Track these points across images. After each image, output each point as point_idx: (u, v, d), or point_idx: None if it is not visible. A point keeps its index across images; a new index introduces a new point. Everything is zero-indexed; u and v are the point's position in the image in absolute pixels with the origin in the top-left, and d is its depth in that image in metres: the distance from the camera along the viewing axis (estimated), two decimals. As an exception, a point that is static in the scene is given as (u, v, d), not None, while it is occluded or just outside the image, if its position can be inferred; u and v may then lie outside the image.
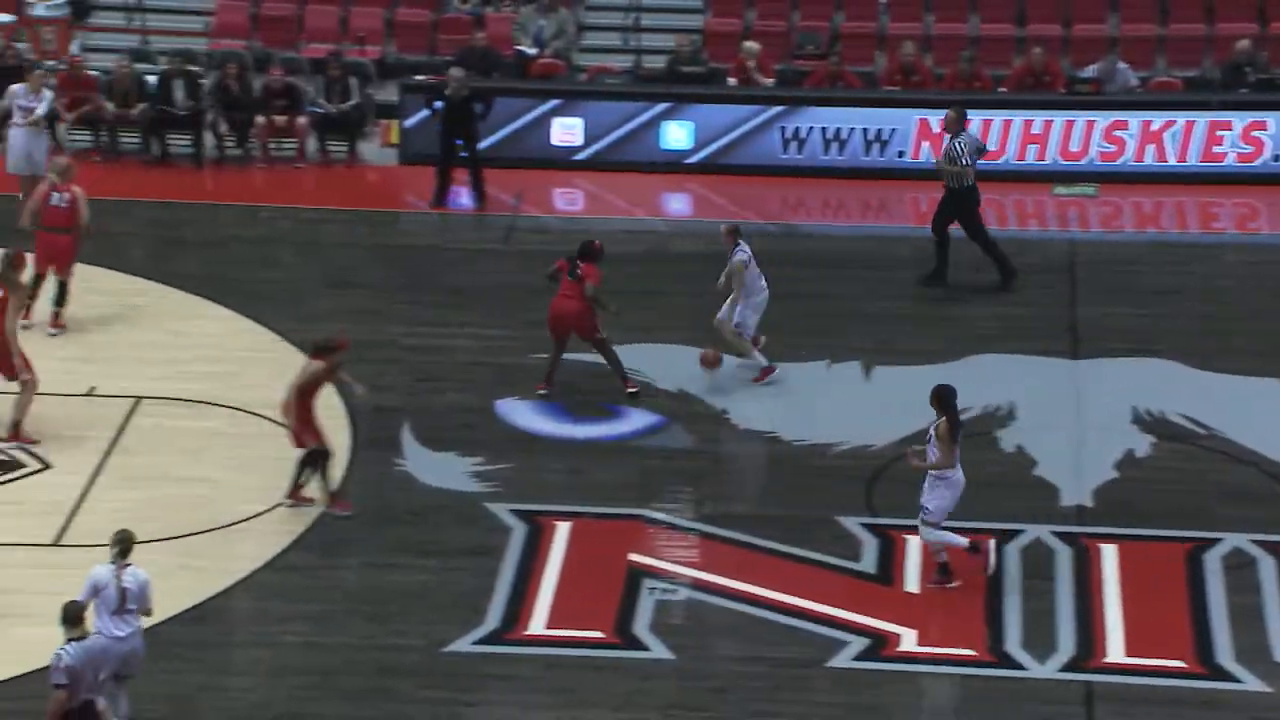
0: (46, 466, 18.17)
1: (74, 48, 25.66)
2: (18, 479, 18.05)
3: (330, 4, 26.96)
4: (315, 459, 17.66)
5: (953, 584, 16.87)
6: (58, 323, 20.38)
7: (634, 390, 19.54)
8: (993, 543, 17.19)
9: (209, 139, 24.63)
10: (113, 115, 24.34)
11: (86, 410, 19.09)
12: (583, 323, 19.35)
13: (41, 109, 22.39)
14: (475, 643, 16.30)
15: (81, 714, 13.88)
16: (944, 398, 16.58)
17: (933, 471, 16.56)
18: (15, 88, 22.49)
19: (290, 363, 20.04)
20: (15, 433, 18.47)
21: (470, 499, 18.18)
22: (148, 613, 14.84)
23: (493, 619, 16.56)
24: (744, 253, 19.61)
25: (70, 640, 13.86)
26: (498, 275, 22.06)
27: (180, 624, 16.30)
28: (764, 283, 19.79)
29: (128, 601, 14.62)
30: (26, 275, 19.09)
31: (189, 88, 24.49)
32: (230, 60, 25.01)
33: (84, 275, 21.21)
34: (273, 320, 20.97)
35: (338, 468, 17.98)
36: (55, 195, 20.09)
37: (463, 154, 23.79)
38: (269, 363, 20.13)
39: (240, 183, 24.28)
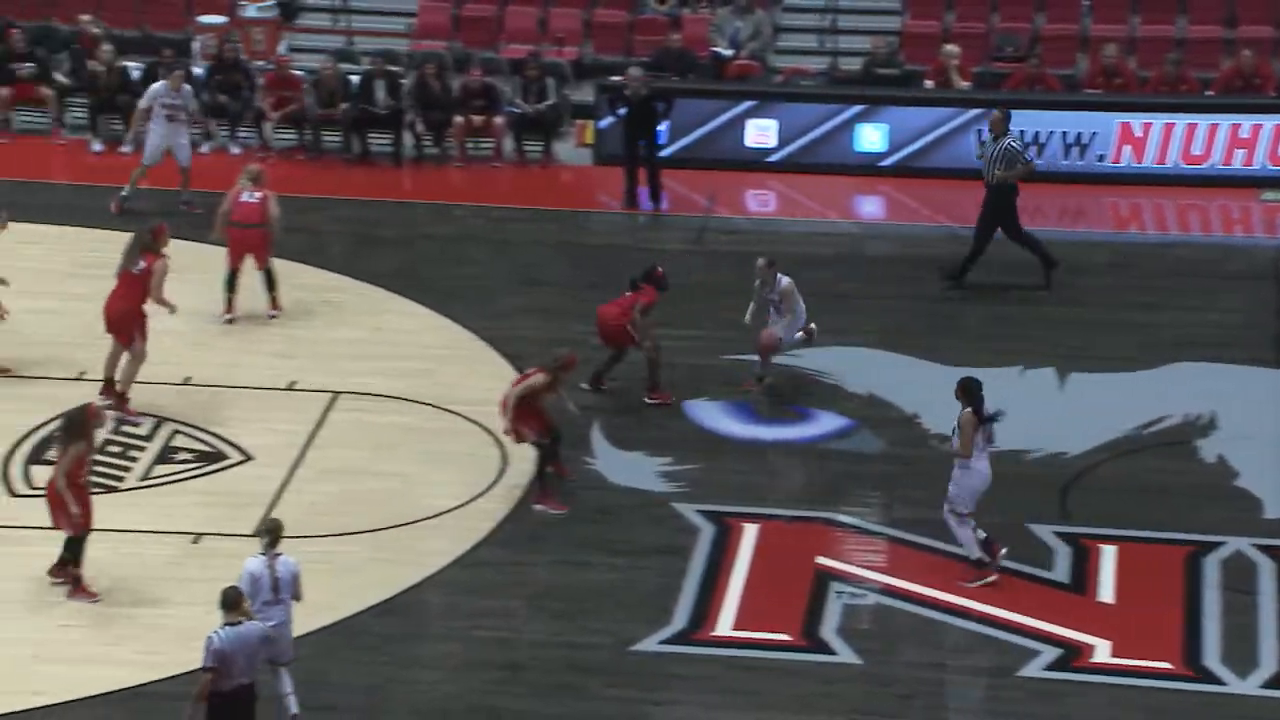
0: (248, 459, 18.47)
1: (281, 48, 26.08)
2: (221, 470, 18.36)
3: (530, 5, 27.17)
4: (546, 451, 17.78)
5: (989, 579, 16.80)
6: (276, 305, 20.75)
7: (655, 402, 19.39)
8: (1004, 552, 16.99)
9: (408, 138, 24.92)
10: (317, 115, 24.70)
11: (287, 404, 19.40)
12: (619, 335, 19.26)
13: (190, 105, 22.68)
14: (662, 642, 16.34)
15: (236, 697, 14.10)
16: (968, 389, 16.84)
17: (956, 461, 16.70)
18: (156, 85, 22.90)
19: (482, 360, 20.28)
20: (122, 402, 18.75)
21: (659, 499, 18.23)
22: (298, 598, 15.07)
23: (680, 619, 16.59)
24: (787, 278, 19.42)
25: (226, 625, 14.10)
26: (689, 275, 22.07)
27: (372, 616, 16.52)
28: (802, 305, 19.66)
29: (280, 590, 14.84)
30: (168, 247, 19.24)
31: (390, 88, 24.80)
32: (430, 60, 25.29)
33: (286, 271, 21.52)
34: (465, 317, 21.15)
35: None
36: (246, 194, 20.42)
37: (642, 153, 23.86)
38: (461, 360, 20.32)
39: (436, 181, 24.54)
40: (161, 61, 24.62)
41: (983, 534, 17.02)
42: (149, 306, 18.93)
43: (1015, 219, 21.96)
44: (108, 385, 18.94)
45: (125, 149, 23.02)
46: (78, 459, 16.13)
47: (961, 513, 16.88)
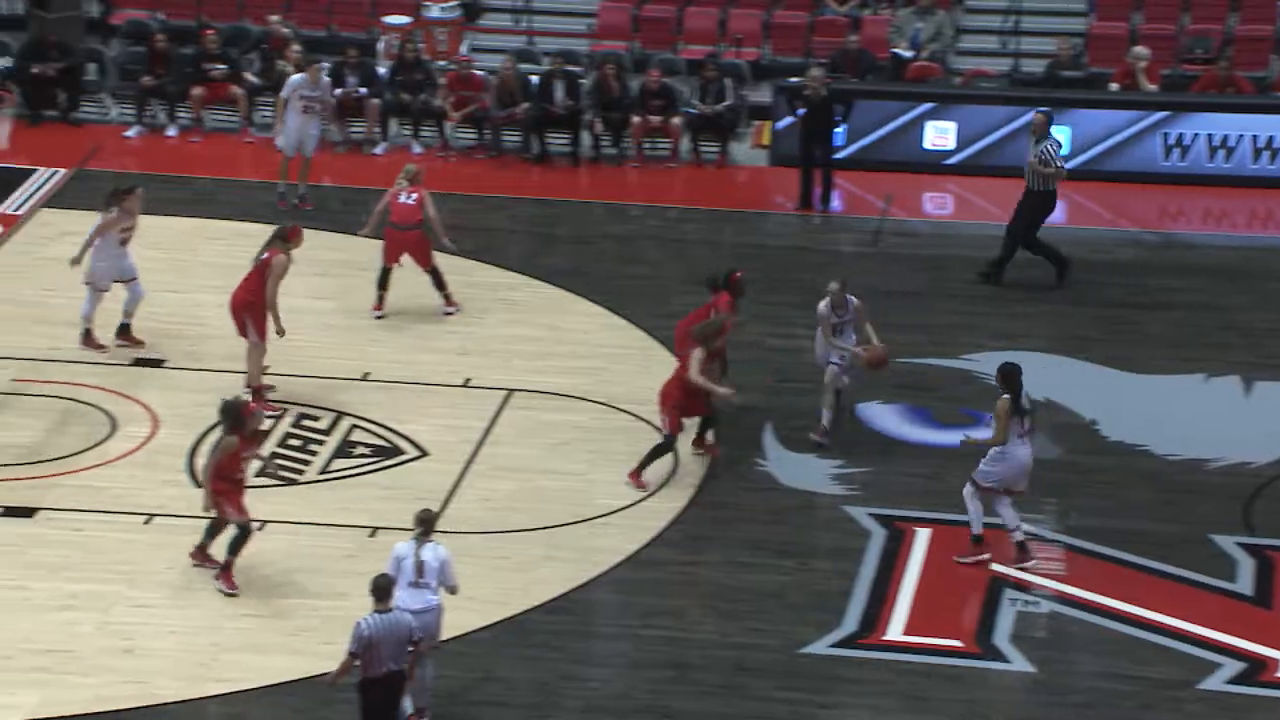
0: (424, 454, 18.61)
1: (464, 48, 26.27)
2: (397, 465, 18.50)
3: (710, 6, 27.16)
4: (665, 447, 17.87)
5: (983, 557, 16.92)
6: (450, 302, 20.86)
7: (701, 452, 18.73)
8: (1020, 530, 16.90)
9: (586, 138, 25.00)
10: (497, 114, 24.85)
11: (463, 401, 19.53)
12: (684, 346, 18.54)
13: (327, 97, 22.85)
14: (832, 645, 16.26)
15: (383, 683, 14.25)
16: (1007, 375, 16.89)
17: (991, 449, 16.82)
18: (296, 77, 23.11)
19: (655, 359, 20.27)
20: (257, 396, 18.90)
21: (830, 501, 18.14)
22: (452, 590, 15.14)
23: (850, 622, 16.50)
24: (856, 299, 18.87)
25: (375, 613, 14.24)
26: (864, 278, 21.91)
27: (544, 613, 16.60)
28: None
29: (424, 575, 14.94)
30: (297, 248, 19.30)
31: (569, 88, 24.89)
32: (609, 61, 25.35)
33: (463, 268, 21.72)
34: (638, 317, 21.18)
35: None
36: (403, 195, 20.51)
37: (818, 155, 23.72)
38: (634, 359, 20.35)
39: (613, 181, 24.59)
40: (347, 61, 24.93)
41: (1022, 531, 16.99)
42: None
43: (1038, 225, 21.80)
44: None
45: (278, 142, 23.25)
46: (230, 453, 16.29)
47: (983, 486, 16.95)
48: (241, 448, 16.35)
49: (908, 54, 26.19)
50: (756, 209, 24.12)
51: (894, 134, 24.94)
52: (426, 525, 15.18)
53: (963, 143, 24.91)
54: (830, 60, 25.67)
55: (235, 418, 16.40)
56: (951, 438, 18.70)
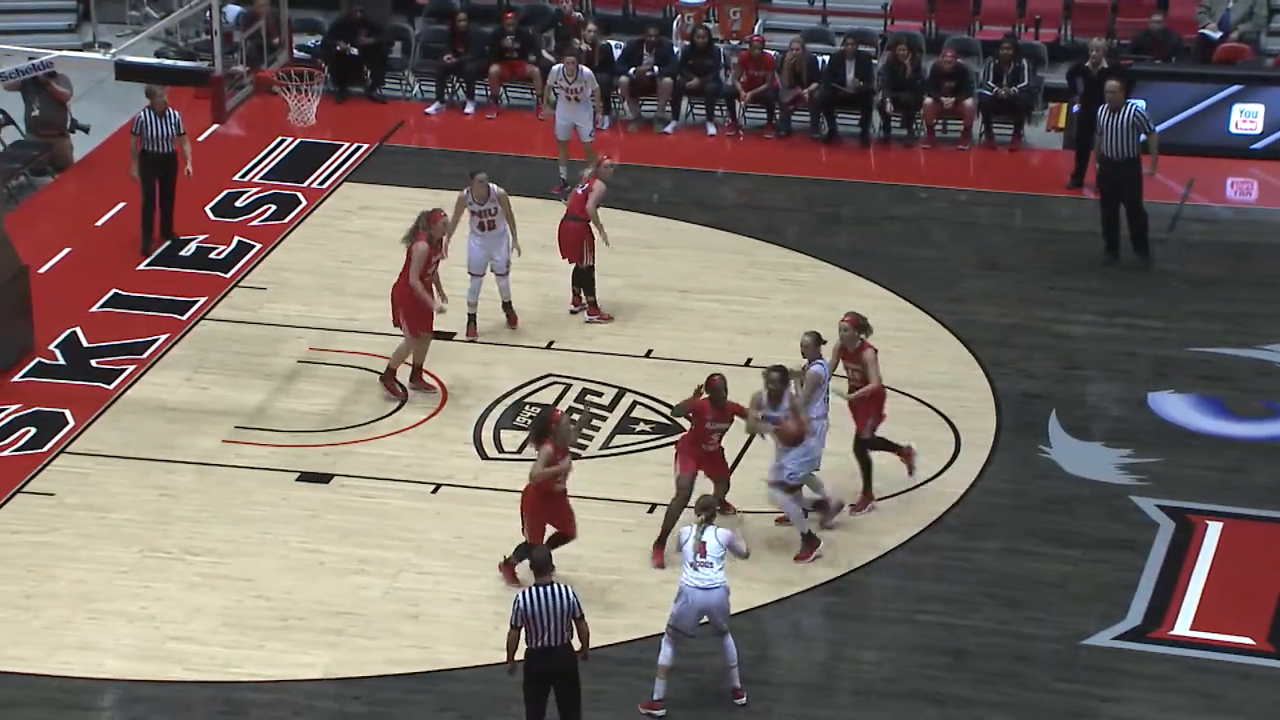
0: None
1: (756, 28, 26.27)
2: (676, 442, 18.55)
3: (1008, -15, 26.80)
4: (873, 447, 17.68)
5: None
6: (576, 302, 20.39)
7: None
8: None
9: (876, 119, 24.84)
10: (788, 96, 24.80)
11: (743, 380, 19.46)
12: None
13: (588, 87, 22.80)
14: (1115, 638, 15.98)
15: (545, 655, 14.36)
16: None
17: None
18: (555, 68, 23.17)
19: (938, 342, 20.09)
20: (389, 381, 19.05)
21: (1116, 491, 17.81)
22: (743, 555, 15.40)
23: (1135, 615, 16.20)
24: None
25: (535, 586, 14.38)
26: (1158, 264, 21.52)
27: (820, 594, 16.58)
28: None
29: (706, 554, 15.05)
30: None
31: (860, 68, 24.74)
32: (901, 41, 25.14)
33: (746, 248, 21.78)
34: (923, 299, 20.99)
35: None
36: (580, 185, 20.43)
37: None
38: (917, 342, 20.19)
39: (902, 162, 24.38)
40: (645, 40, 25.09)
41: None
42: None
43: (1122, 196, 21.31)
44: (416, 372, 19.19)
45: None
46: (548, 462, 16.28)
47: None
48: (556, 457, 16.38)
49: (1215, 35, 25.51)
50: (1049, 192, 23.73)
51: (1198, 117, 24.33)
52: (708, 513, 15.33)
53: (1270, 127, 24.22)
54: (1133, 41, 25.13)
55: (542, 428, 16.46)
56: (1248, 430, 18.23)
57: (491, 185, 19.80)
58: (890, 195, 23.58)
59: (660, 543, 16.88)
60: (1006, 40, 25.22)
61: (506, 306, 20.14)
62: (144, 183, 21.22)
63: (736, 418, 16.98)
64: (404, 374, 19.22)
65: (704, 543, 15.14)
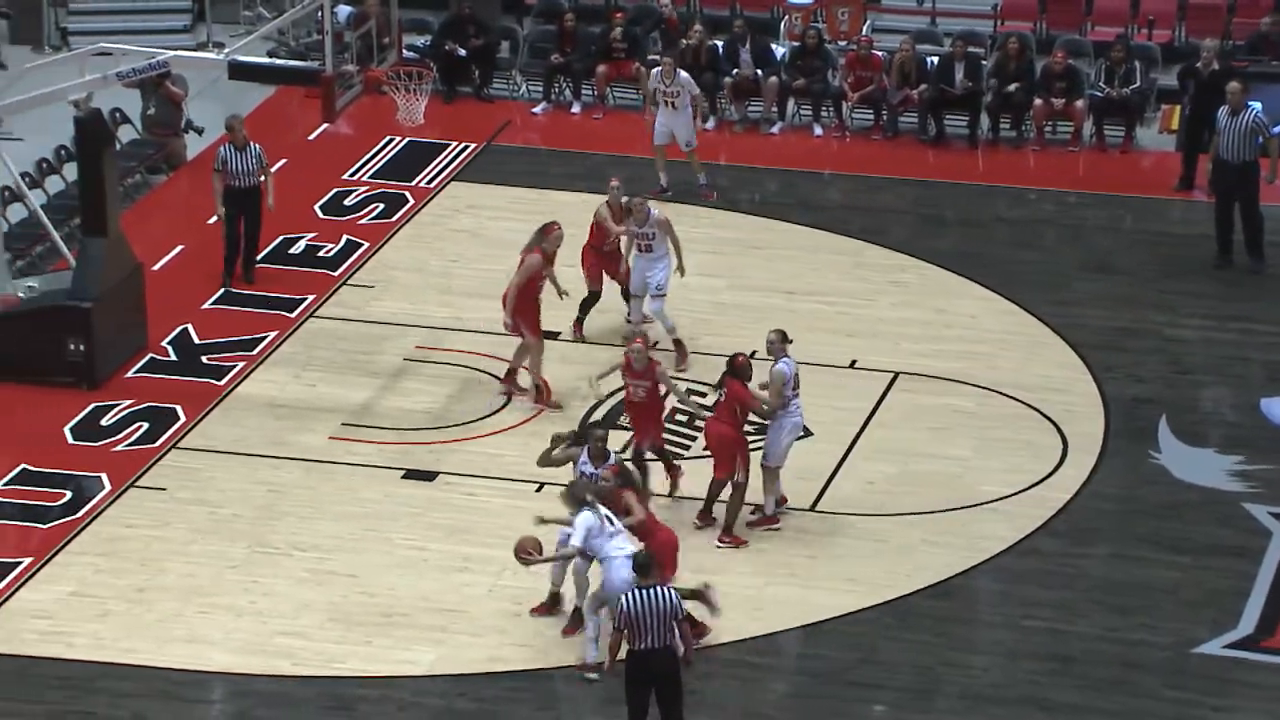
0: (807, 434, 18.58)
1: (865, 29, 26.17)
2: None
3: (1123, -14, 26.58)
4: None
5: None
6: (578, 327, 20.06)
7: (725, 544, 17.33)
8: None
9: (984, 120, 24.68)
10: (896, 98, 24.70)
11: (848, 383, 19.49)
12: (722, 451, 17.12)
13: (686, 93, 22.59)
14: (1226, 646, 15.82)
15: (648, 657, 14.35)
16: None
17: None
18: (654, 71, 23.08)
19: (1045, 345, 19.96)
20: (508, 380, 19.17)
21: (1227, 498, 17.63)
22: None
23: (1246, 624, 16.05)
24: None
25: (639, 588, 14.42)
26: (1273, 268, 21.28)
27: (925, 597, 16.53)
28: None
29: (614, 524, 15.41)
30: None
31: (969, 69, 24.60)
32: (1011, 41, 24.95)
33: (852, 250, 21.73)
34: (1031, 302, 20.85)
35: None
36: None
37: (1205, 134, 22.89)
38: (1024, 345, 20.07)
39: (1011, 164, 24.21)
40: (735, 35, 25.03)
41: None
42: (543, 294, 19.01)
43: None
44: (508, 375, 19.24)
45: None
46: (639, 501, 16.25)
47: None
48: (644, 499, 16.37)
49: (1331, 36, 25.17)
50: (1162, 195, 23.51)
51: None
52: (598, 495, 15.63)
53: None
54: (1248, 42, 24.85)
55: (626, 479, 16.37)
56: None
57: (651, 208, 19.62)
58: (998, 197, 23.44)
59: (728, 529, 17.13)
60: (1119, 41, 25.00)
61: (677, 343, 19.69)
62: (228, 219, 20.99)
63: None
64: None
65: (608, 515, 15.44)
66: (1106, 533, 17.27)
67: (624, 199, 19.78)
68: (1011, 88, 24.29)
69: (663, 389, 17.49)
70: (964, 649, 16.00)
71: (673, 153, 22.87)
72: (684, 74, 23.07)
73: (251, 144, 21.01)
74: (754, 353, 19.87)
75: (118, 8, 27.39)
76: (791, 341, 17.32)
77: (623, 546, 15.41)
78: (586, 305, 20.07)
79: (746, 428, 17.29)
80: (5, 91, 19.92)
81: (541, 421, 18.80)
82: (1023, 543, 17.15)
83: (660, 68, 23.01)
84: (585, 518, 15.50)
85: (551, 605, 16.30)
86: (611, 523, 15.50)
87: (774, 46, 25.49)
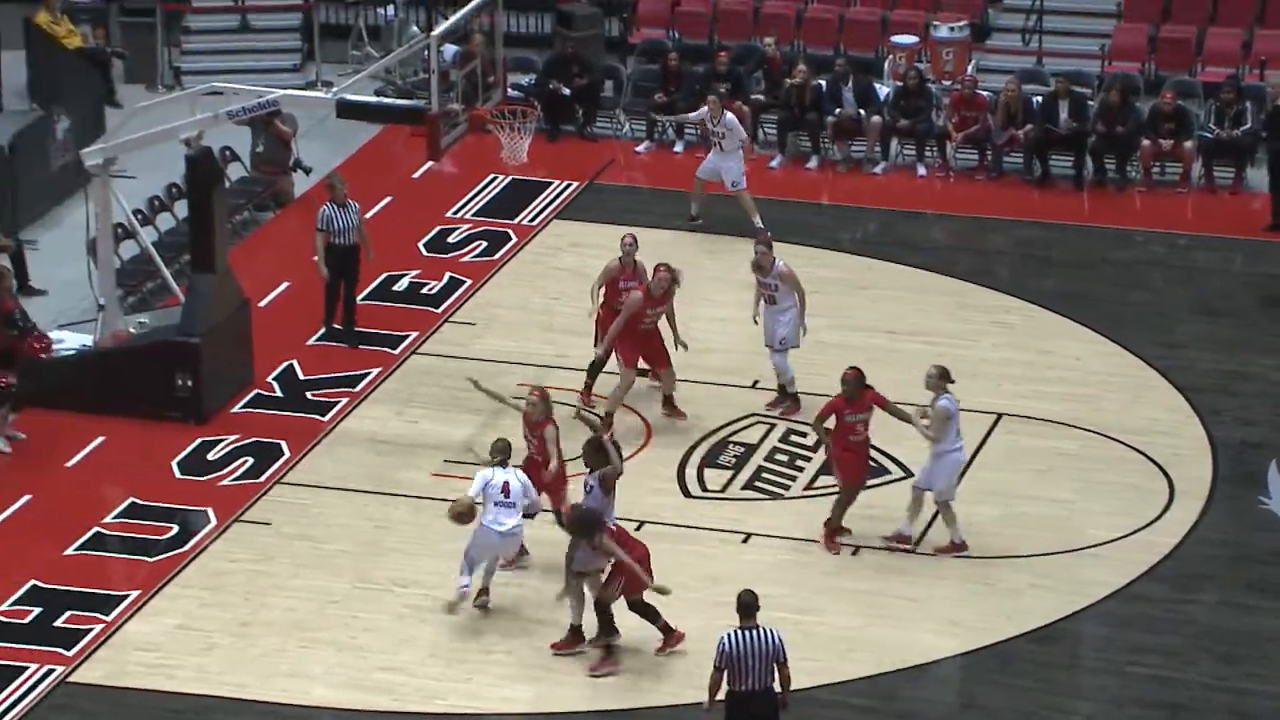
0: (908, 474, 18.54)
1: (970, 68, 26.07)
2: (882, 484, 18.41)
3: (1234, 26, 26.29)
4: None
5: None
6: (585, 395, 19.69)
7: None
8: None
9: (1090, 161, 24.52)
10: (1001, 138, 24.58)
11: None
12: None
13: (735, 136, 22.55)
14: (1337, 696, 15.63)
15: (749, 698, 14.32)
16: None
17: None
18: (703, 109, 22.98)
19: (1151, 388, 19.78)
20: (583, 396, 19.38)
21: (1339, 545, 17.43)
22: (530, 511, 16.46)
23: (1359, 673, 15.84)
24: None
25: (740, 629, 14.35)
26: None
27: (1029, 642, 16.38)
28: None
29: (509, 494, 16.14)
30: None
31: (1074, 109, 24.46)
32: (1116, 82, 24.80)
33: (956, 290, 21.60)
34: (1136, 344, 20.69)
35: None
36: (625, 281, 19.82)
37: None
38: (1129, 388, 19.91)
39: (1117, 205, 24.02)
40: (837, 74, 25.00)
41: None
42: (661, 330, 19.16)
43: None
44: (666, 401, 19.40)
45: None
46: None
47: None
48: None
49: None
50: (1272, 238, 23.25)
51: None
52: (504, 454, 16.34)
53: None
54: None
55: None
56: None
57: (777, 260, 19.47)
58: (1105, 238, 23.26)
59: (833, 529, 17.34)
60: (1229, 83, 24.79)
61: (792, 396, 19.57)
62: (330, 276, 21.00)
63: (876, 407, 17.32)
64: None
65: (507, 483, 15.98)
66: (1214, 579, 17.08)
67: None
68: (1118, 129, 24.16)
69: (549, 451, 17.07)
70: (1068, 695, 15.84)
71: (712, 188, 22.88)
72: (731, 116, 22.99)
73: (351, 201, 21.05)
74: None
75: (229, 47, 27.75)
76: (953, 381, 17.31)
77: (502, 523, 16.24)
78: (595, 370, 19.73)
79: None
80: (119, 130, 20.11)
81: (641, 460, 18.78)
82: (1128, 588, 16.98)
83: (707, 106, 22.99)
84: (485, 473, 16.27)
85: (573, 640, 16.33)
86: (507, 495, 16.15)
87: (878, 86, 25.46)
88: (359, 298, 21.27)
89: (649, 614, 16.16)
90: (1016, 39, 27.12)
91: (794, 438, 19.21)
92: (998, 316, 21.34)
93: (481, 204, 23.91)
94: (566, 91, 25.54)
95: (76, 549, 17.73)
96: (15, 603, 16.98)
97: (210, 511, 18.17)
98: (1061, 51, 26.73)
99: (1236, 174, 24.39)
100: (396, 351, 20.78)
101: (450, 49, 23.65)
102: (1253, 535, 17.63)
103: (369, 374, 20.37)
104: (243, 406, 19.82)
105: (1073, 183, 24.45)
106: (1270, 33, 26.17)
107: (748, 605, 14.54)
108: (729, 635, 14.39)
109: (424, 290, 21.99)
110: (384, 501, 18.31)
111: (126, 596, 17.05)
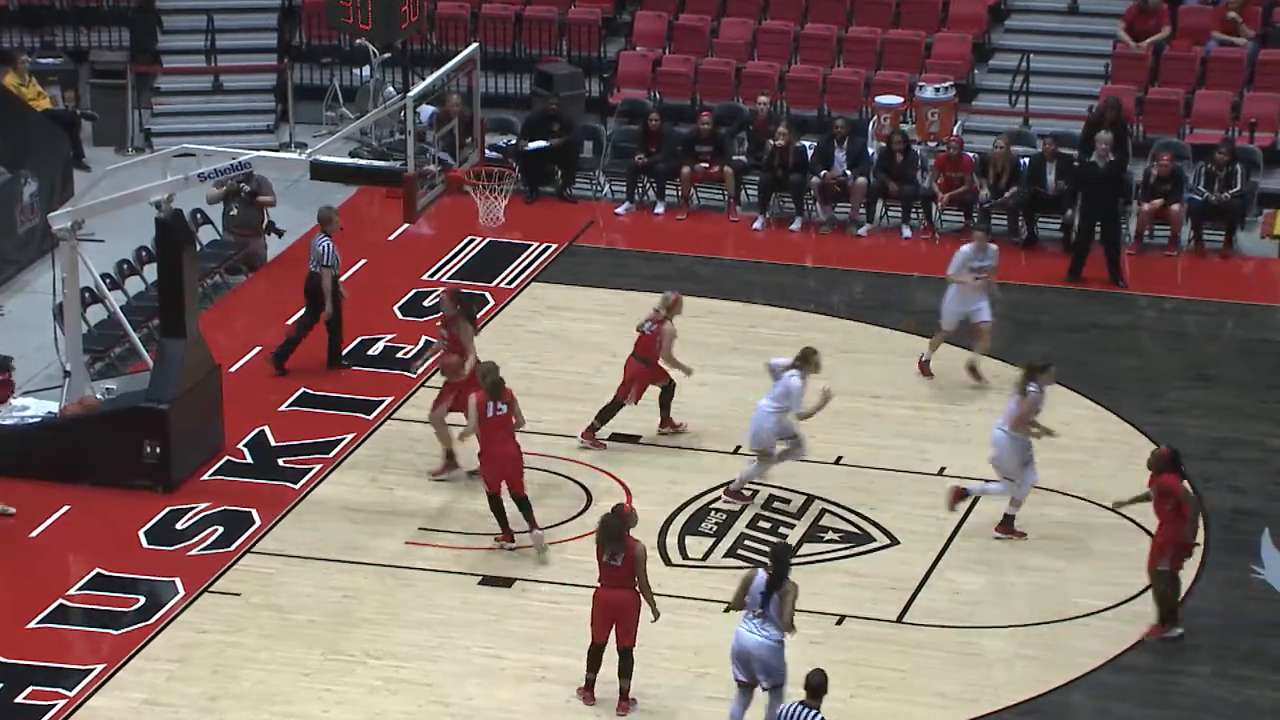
0: (894, 543, 18.20)
1: (955, 129, 25.82)
2: (867, 553, 18.14)
3: (1223, 89, 26.06)
4: None
5: None
6: (667, 424, 19.97)
7: None
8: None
9: (1076, 221, 24.18)
10: (986, 197, 24.30)
11: (936, 490, 19.01)
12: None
13: (988, 263, 21.28)
14: (1334, 773, 15.25)
15: None
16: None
17: None
18: (965, 249, 21.34)
19: (1141, 455, 19.33)
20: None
21: (1334, 614, 17.07)
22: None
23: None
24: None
25: (802, 704, 14.24)
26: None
27: (1017, 714, 16.04)
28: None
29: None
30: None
31: (1061, 170, 24.19)
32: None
33: (942, 354, 21.22)
34: (1127, 410, 20.43)
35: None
36: (647, 324, 19.85)
37: None
38: (1119, 454, 19.61)
39: (1105, 269, 23.69)
40: (834, 134, 24.74)
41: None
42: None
43: None
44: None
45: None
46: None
47: None
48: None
49: None
50: (1265, 302, 22.99)
51: None
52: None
53: None
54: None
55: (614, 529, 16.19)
56: None
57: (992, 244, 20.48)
58: (1095, 302, 22.96)
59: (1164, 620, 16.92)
60: (1223, 145, 24.53)
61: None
62: (334, 308, 21.08)
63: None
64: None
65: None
66: (1206, 650, 16.75)
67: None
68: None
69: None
70: (1058, 770, 15.52)
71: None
72: (993, 246, 21.16)
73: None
74: (839, 458, 19.54)
75: (202, 108, 27.47)
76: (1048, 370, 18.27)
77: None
78: (607, 414, 19.72)
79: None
80: (88, 193, 19.78)
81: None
82: (1119, 659, 16.66)
83: (974, 242, 21.07)
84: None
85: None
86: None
87: (868, 148, 25.22)
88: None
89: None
90: (1003, 100, 26.89)
91: (776, 504, 18.85)
92: (982, 381, 20.97)
93: (459, 267, 23.60)
94: (545, 143, 25.21)
95: (39, 622, 17.33)
96: (-26, 677, 16.59)
97: (178, 582, 17.78)
98: (1047, 113, 26.50)
99: (1227, 237, 24.12)
100: (371, 417, 20.42)
101: (427, 109, 23.37)
102: (1245, 605, 17.32)
103: (343, 440, 20.00)
104: (213, 474, 19.45)
105: (1061, 245, 24.14)
106: (1261, 95, 25.95)
107: (817, 686, 14.31)
108: (789, 708, 14.25)
109: (399, 354, 21.65)
110: (356, 570, 17.92)
111: (91, 670, 16.62)
